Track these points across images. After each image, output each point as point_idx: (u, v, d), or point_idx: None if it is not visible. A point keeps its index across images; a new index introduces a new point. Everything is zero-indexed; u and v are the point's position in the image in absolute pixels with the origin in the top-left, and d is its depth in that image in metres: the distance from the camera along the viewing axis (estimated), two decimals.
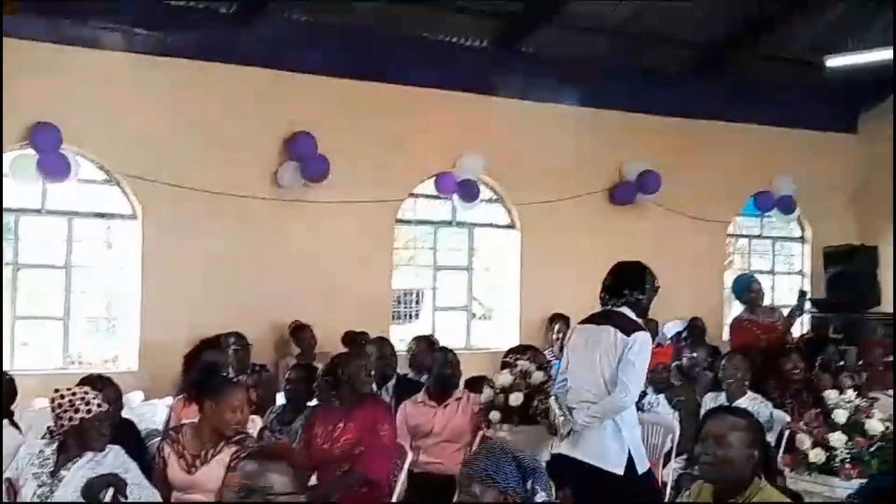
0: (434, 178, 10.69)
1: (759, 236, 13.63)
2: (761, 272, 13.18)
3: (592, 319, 5.28)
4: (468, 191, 10.64)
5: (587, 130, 11.37)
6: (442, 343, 9.94)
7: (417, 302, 11.80)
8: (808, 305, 9.03)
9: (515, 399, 5.83)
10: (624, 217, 11.72)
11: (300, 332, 9.45)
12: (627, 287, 5.18)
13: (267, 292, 9.61)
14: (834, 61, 10.74)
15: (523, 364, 6.04)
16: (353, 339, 8.67)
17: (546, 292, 11.04)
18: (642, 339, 5.05)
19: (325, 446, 5.48)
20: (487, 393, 6.01)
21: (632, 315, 5.16)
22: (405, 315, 11.81)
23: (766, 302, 9.22)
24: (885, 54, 10.75)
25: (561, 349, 9.73)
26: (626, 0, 10.56)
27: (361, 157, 10.09)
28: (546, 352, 8.96)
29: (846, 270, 12.57)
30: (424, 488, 6.16)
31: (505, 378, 6.00)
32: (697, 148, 12.02)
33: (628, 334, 5.01)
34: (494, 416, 5.89)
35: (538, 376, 5.94)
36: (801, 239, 13.78)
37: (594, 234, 11.34)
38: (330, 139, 9.81)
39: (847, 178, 13.42)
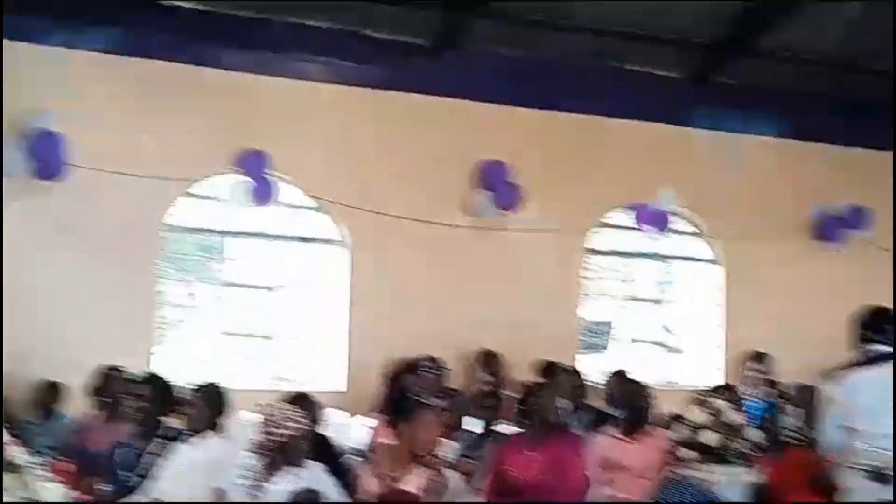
0: (628, 208, 10.58)
1: None
2: None
3: (867, 363, 5.04)
4: (663, 222, 10.49)
5: (785, 163, 11.02)
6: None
7: (606, 333, 11.68)
8: None
9: (708, 438, 5.69)
10: (828, 255, 11.23)
11: (489, 360, 9.50)
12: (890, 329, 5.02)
13: (459, 318, 9.73)
14: None
15: (717, 403, 5.89)
16: (546, 369, 8.66)
17: (753, 330, 10.67)
18: None
19: (514, 475, 5.50)
20: (680, 430, 5.89)
21: None
22: (593, 346, 11.71)
23: None
24: None
25: (755, 386, 9.52)
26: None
27: (554, 187, 10.11)
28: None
29: None
30: None
31: (697, 416, 5.87)
32: None
33: None
34: (687, 453, 5.77)
35: (733, 417, 5.78)
36: None
37: (796, 271, 10.93)
38: (524, 168, 9.90)
39: None
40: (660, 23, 9.92)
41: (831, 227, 11.13)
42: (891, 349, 4.95)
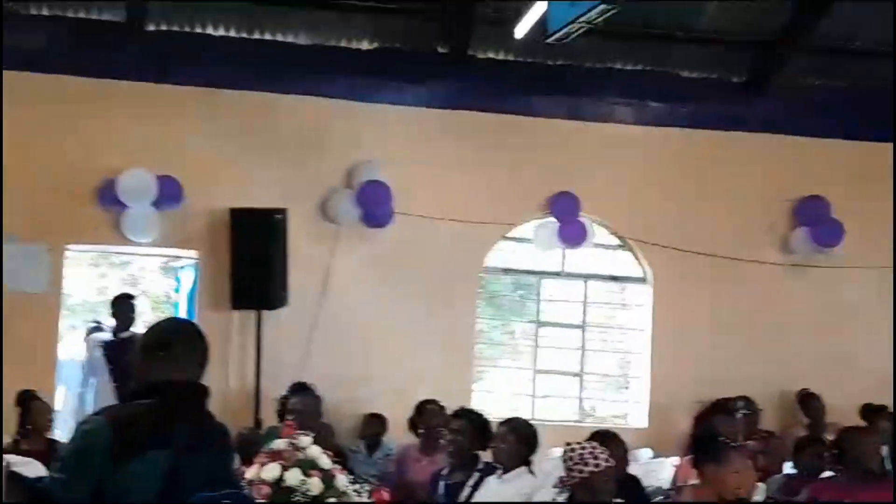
0: None
1: None
2: None
3: None
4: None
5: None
6: None
7: None
8: None
9: None
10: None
11: (809, 401, 9.18)
12: None
13: (774, 358, 9.47)
14: None
15: None
16: (867, 412, 8.23)
17: None
18: None
19: None
20: None
21: None
22: None
23: None
24: None
25: None
26: None
27: (872, 220, 9.62)
28: None
29: None
30: None
31: None
32: None
33: None
34: None
35: None
36: None
37: None
38: (844, 203, 9.56)
39: None
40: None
41: None
42: None
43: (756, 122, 9.67)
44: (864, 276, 9.56)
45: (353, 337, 8.92)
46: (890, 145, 9.55)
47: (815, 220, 9.55)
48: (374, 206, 9.00)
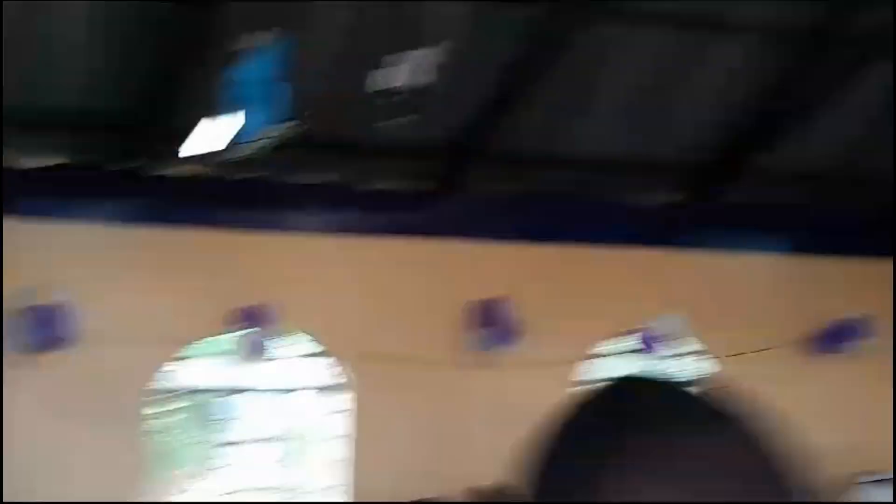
0: (632, 333, 10.75)
1: None
2: None
3: None
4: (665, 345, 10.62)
5: (792, 278, 11.16)
6: None
7: None
8: None
9: None
10: (831, 366, 11.23)
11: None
12: None
13: (463, 456, 9.75)
14: None
15: None
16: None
17: None
18: None
19: None
20: None
21: None
22: None
23: None
24: None
25: None
26: None
27: (550, 320, 10.18)
28: None
29: None
30: None
31: None
32: None
33: None
34: None
35: None
36: None
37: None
38: (522, 303, 10.07)
39: None
40: (651, 150, 10.31)
41: (834, 339, 11.16)
42: None
43: (442, 228, 10.16)
44: (540, 374, 10.06)
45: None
46: (572, 247, 10.46)
47: (493, 321, 10.05)
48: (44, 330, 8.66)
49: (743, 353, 10.71)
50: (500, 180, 10.38)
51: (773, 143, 10.21)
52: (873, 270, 11.28)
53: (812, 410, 10.59)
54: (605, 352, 10.85)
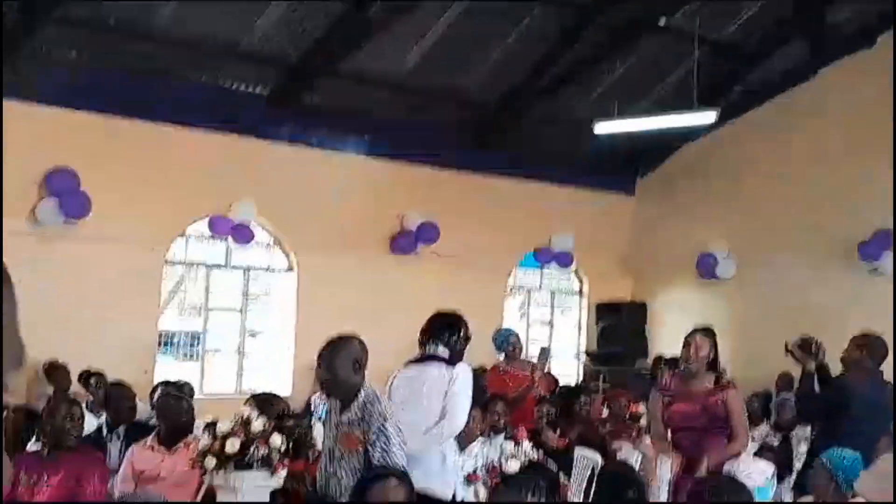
0: (207, 219, 10.62)
1: (538, 288, 14.09)
2: (542, 322, 13.72)
3: (416, 361, 5.67)
4: (242, 233, 10.63)
5: (367, 181, 11.58)
6: (213, 387, 10.01)
7: (194, 344, 11.67)
8: (549, 362, 9.44)
9: (231, 446, 5.82)
10: (404, 266, 11.93)
11: (54, 372, 9.18)
12: (446, 332, 5.56)
13: (29, 331, 9.25)
14: (602, 127, 11.28)
15: (243, 410, 6.03)
16: (87, 380, 8.58)
17: (323, 336, 11.04)
18: (465, 371, 5.45)
19: (26, 496, 5.34)
20: (205, 439, 5.98)
21: (446, 357, 5.50)
22: (182, 355, 11.68)
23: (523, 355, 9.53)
24: (653, 122, 11.43)
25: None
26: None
27: (130, 197, 9.95)
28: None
29: (616, 324, 13.18)
30: None
31: (225, 425, 5.99)
32: (477, 201, 12.37)
33: (452, 367, 5.43)
34: (210, 462, 5.86)
35: (258, 424, 5.95)
36: (579, 293, 14.33)
37: (375, 282, 11.53)
38: (94, 176, 9.64)
39: (623, 237, 14.07)
40: (245, 39, 10.11)
41: (405, 242, 11.81)
42: (441, 350, 5.50)
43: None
44: (118, 251, 9.84)
45: None
46: (150, 125, 10.18)
47: (65, 192, 9.54)
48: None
49: (327, 248, 11.09)
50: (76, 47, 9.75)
51: (358, 47, 10.40)
52: (440, 178, 12.19)
53: (386, 302, 11.45)
54: (186, 233, 10.76)
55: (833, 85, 11.97)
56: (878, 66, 11.42)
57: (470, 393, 5.50)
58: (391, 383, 5.84)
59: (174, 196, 10.26)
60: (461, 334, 5.61)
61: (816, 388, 6.30)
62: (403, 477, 3.82)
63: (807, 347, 6.23)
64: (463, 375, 5.43)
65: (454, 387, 5.40)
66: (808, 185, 11.99)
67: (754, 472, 4.44)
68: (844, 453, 5.07)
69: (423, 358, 5.62)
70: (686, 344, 5.87)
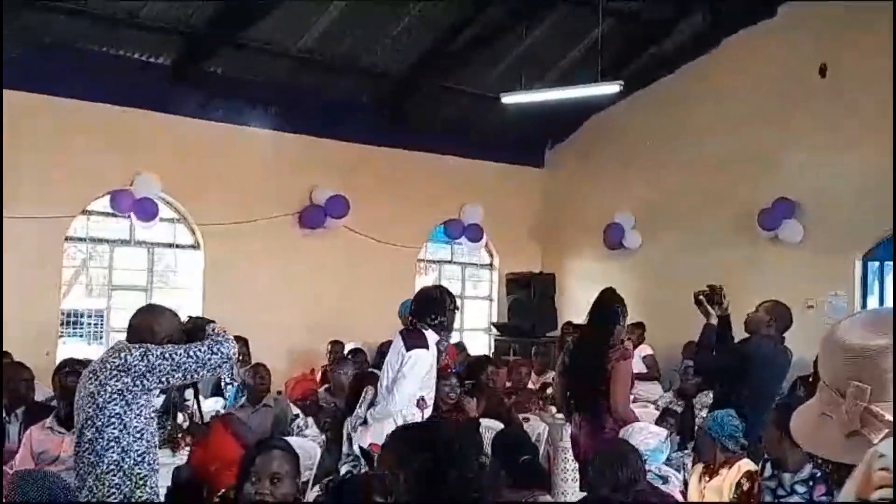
0: (109, 195, 10.39)
1: (449, 262, 14.14)
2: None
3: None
4: (146, 209, 10.43)
5: (276, 154, 11.45)
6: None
7: (99, 321, 11.44)
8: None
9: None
10: (313, 241, 11.85)
11: None
12: (431, 310, 5.76)
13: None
14: (509, 98, 11.31)
15: None
16: None
17: (231, 314, 10.94)
18: (417, 355, 5.61)
19: None
20: None
21: (428, 333, 5.71)
22: (86, 335, 11.45)
23: None
24: (559, 93, 11.51)
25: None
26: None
27: (28, 171, 9.69)
28: None
29: (526, 296, 13.30)
30: None
31: None
32: (386, 175, 12.34)
33: (408, 349, 5.62)
34: None
35: (159, 402, 5.87)
36: (490, 266, 14.42)
37: (283, 257, 11.45)
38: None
39: (532, 209, 14.18)
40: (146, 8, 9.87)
41: (314, 216, 11.73)
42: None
43: None
44: (21, 227, 9.59)
45: None
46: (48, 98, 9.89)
47: None
48: None
49: (233, 223, 10.96)
50: None
51: (262, 17, 10.23)
52: (348, 152, 12.10)
53: (305, 275, 11.43)
54: (88, 210, 10.52)
55: (736, 55, 12.19)
56: (780, 36, 11.67)
57: (418, 377, 5.62)
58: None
59: (75, 171, 10.02)
60: (448, 308, 5.83)
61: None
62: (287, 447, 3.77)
63: (712, 296, 6.42)
64: (414, 358, 5.60)
65: (403, 368, 5.61)
66: (712, 154, 12.21)
67: (647, 436, 4.55)
68: (720, 416, 5.25)
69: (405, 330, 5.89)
70: None
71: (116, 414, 3.97)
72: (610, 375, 5.81)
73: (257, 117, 11.21)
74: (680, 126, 12.62)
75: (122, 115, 10.33)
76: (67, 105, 10.00)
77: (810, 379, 7.50)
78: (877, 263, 11.44)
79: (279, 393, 8.83)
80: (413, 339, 5.71)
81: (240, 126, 11.18)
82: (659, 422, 7.05)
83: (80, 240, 10.76)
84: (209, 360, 4.09)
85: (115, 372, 3.97)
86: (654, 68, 12.90)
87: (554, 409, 7.83)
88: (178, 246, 11.37)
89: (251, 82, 11.07)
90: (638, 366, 10.05)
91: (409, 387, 5.63)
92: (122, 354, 4.00)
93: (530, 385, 9.70)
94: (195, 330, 4.25)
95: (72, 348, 10.45)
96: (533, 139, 14.10)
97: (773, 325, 6.62)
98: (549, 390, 8.50)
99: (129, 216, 10.50)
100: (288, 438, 5.55)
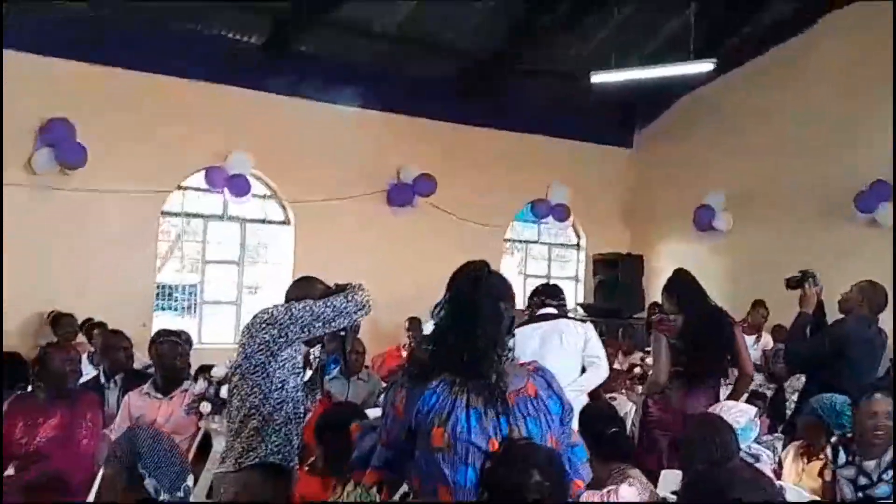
0: (203, 171, 10.60)
1: (536, 242, 14.11)
2: (538, 276, 13.73)
3: (539, 319, 6.42)
4: (239, 186, 10.62)
5: (364, 132, 11.52)
6: (211, 338, 10.02)
7: (192, 295, 11.71)
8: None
9: (226, 391, 5.85)
10: (401, 218, 11.93)
11: (59, 321, 9.22)
12: (558, 295, 6.68)
13: (27, 281, 9.33)
14: (599, 77, 11.21)
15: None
16: (89, 330, 8.61)
17: None
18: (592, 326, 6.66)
19: (23, 440, 5.39)
20: (200, 385, 6.01)
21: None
22: (180, 308, 11.73)
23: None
24: (650, 72, 11.37)
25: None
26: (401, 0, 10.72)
27: (126, 147, 9.95)
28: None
29: (613, 277, 13.20)
30: None
31: (220, 370, 6.02)
32: (473, 154, 12.35)
33: (584, 323, 6.73)
34: (205, 407, 5.91)
35: None
36: (577, 246, 14.35)
37: (372, 234, 11.55)
38: (90, 127, 9.62)
39: (620, 190, 14.05)
40: None
41: (402, 193, 11.81)
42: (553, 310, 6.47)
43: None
44: (114, 201, 9.87)
45: None
46: (138, 74, 10.05)
47: (59, 141, 9.49)
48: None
49: (324, 200, 11.09)
50: None
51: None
52: (437, 130, 12.15)
53: (392, 252, 11.52)
54: (183, 185, 10.76)
55: (830, 34, 11.89)
56: (875, 16, 11.32)
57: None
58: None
59: (170, 148, 10.26)
60: (563, 297, 6.77)
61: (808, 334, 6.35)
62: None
63: (803, 282, 6.32)
64: (593, 328, 6.64)
65: (592, 338, 6.48)
66: (805, 136, 11.95)
67: (737, 413, 4.49)
68: (833, 398, 5.12)
69: (549, 316, 6.45)
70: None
71: (261, 363, 4.32)
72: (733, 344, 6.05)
73: (346, 96, 11.28)
74: (773, 107, 12.36)
75: (216, 93, 10.53)
76: (164, 82, 10.22)
77: None
78: None
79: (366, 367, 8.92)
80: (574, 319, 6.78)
81: (329, 104, 11.26)
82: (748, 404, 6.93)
83: (175, 215, 11.01)
84: (345, 307, 4.38)
85: (263, 325, 4.33)
86: (747, 48, 12.65)
87: (640, 389, 7.77)
88: (269, 222, 11.55)
89: (340, 61, 11.17)
90: (757, 353, 9.90)
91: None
92: (270, 310, 4.38)
93: (616, 365, 9.62)
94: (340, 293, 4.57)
95: (165, 320, 10.72)
96: (622, 119, 13.97)
97: (865, 304, 6.45)
98: (637, 370, 8.44)
99: (222, 192, 10.69)
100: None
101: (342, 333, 4.74)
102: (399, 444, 2.95)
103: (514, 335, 3.08)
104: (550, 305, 6.56)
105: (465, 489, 2.78)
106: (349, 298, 4.41)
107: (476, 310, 2.96)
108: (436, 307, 3.08)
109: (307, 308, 4.32)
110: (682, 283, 6.30)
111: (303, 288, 4.64)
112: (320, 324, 4.33)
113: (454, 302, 3.00)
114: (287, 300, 4.55)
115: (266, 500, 4.29)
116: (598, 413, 4.67)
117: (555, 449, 2.89)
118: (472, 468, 2.79)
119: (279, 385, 4.37)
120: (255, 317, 4.43)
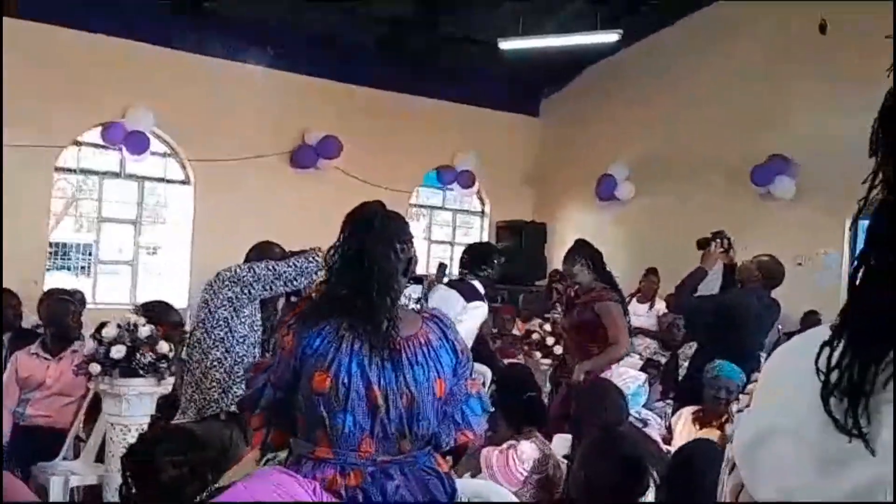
0: (101, 127, 10.30)
1: (441, 207, 14.11)
2: (441, 242, 13.77)
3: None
4: (137, 143, 10.35)
5: (269, 93, 11.34)
6: (106, 298, 9.78)
7: (88, 254, 11.42)
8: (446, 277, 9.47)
9: (117, 352, 5.72)
10: (304, 181, 11.80)
11: None
12: (482, 262, 6.13)
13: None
14: (507, 44, 11.21)
15: (130, 317, 5.92)
16: None
17: (219, 251, 10.92)
18: (476, 306, 5.87)
19: None
20: (90, 345, 5.87)
21: (476, 284, 5.96)
22: (75, 267, 11.42)
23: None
24: (560, 41, 11.41)
25: None
26: None
27: (20, 100, 9.57)
28: None
29: (516, 245, 13.29)
30: (31, 441, 5.98)
31: (110, 330, 5.88)
32: (380, 118, 12.26)
33: (468, 300, 5.82)
34: (94, 368, 5.76)
35: (145, 330, 5.86)
36: (481, 213, 14.40)
37: (274, 196, 11.38)
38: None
39: (526, 158, 14.13)
40: None
41: (306, 156, 11.66)
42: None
43: None
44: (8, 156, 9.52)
45: None
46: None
47: None
48: None
49: (225, 160, 10.89)
50: None
51: None
52: (343, 93, 12.00)
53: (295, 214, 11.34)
54: (79, 140, 10.44)
55: (736, 9, 12.05)
56: None
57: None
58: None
59: (67, 101, 9.94)
60: (495, 262, 6.27)
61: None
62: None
63: (713, 243, 6.47)
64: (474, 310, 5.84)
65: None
66: (709, 108, 12.13)
67: (627, 379, 4.57)
68: (726, 364, 5.25)
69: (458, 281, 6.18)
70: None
71: (224, 318, 4.62)
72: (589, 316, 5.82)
73: (253, 55, 11.09)
74: (677, 79, 12.53)
75: (118, 47, 10.23)
76: (63, 34, 9.90)
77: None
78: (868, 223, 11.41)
79: None
80: (468, 291, 5.85)
81: (236, 63, 11.05)
82: (642, 371, 7.06)
83: (70, 171, 10.68)
84: (306, 268, 4.65)
85: (226, 282, 4.64)
86: (654, 20, 12.77)
87: (538, 355, 7.85)
88: (168, 181, 11.30)
89: (249, 20, 10.94)
90: (651, 320, 10.08)
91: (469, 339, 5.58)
92: (234, 268, 4.70)
93: (515, 331, 9.72)
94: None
95: (58, 279, 10.44)
96: (529, 87, 14.01)
97: (760, 278, 6.62)
98: (535, 336, 8.51)
99: (119, 149, 10.41)
100: None
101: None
102: (287, 385, 2.89)
103: (411, 280, 3.03)
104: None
105: (344, 435, 2.73)
106: (310, 259, 4.67)
107: (368, 252, 2.87)
108: (329, 250, 3.01)
109: (269, 267, 4.62)
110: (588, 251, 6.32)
111: (263, 250, 4.96)
112: (281, 283, 4.61)
113: (346, 244, 2.91)
114: (247, 261, 4.83)
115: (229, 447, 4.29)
116: (513, 377, 4.71)
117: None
118: (350, 414, 2.73)
119: (241, 339, 4.64)
120: (217, 274, 4.74)
